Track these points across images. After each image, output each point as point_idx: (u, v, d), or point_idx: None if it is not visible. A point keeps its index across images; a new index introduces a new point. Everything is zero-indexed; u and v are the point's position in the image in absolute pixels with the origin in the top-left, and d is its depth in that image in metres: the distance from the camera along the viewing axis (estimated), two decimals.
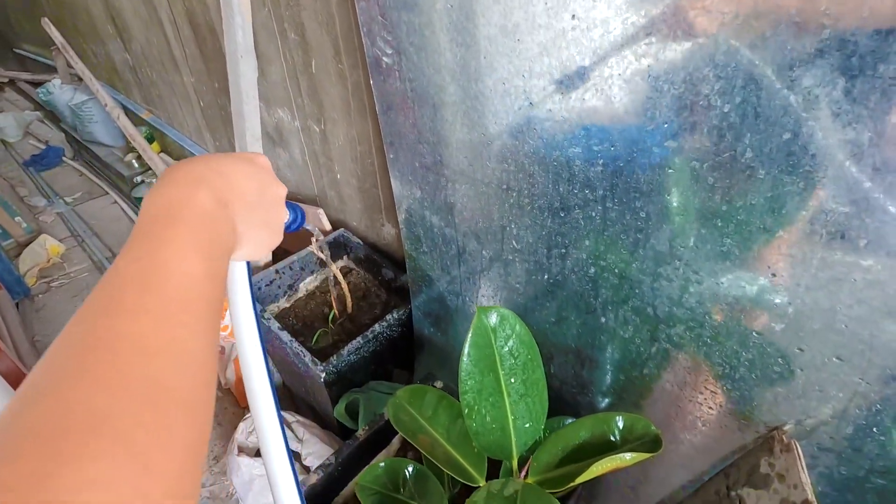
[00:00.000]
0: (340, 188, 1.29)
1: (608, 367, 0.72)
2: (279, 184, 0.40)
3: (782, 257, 0.47)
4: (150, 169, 2.35)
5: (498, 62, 0.59)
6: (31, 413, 0.19)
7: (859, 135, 0.38)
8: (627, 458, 0.54)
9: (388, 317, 1.07)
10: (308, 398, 1.28)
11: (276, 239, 0.40)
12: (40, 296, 1.99)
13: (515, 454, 0.56)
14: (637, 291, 0.62)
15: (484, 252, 0.81)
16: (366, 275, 1.29)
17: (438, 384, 0.81)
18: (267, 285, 1.19)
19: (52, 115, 3.01)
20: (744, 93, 0.42)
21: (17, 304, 1.88)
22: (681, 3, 0.42)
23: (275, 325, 1.05)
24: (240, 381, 1.46)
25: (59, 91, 2.64)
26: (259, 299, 1.16)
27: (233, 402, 1.49)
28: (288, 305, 1.24)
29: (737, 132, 0.44)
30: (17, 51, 3.55)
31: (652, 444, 0.56)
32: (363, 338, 1.03)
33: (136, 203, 2.30)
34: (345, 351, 1.01)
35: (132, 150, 2.47)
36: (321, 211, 1.36)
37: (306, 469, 1.13)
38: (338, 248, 1.31)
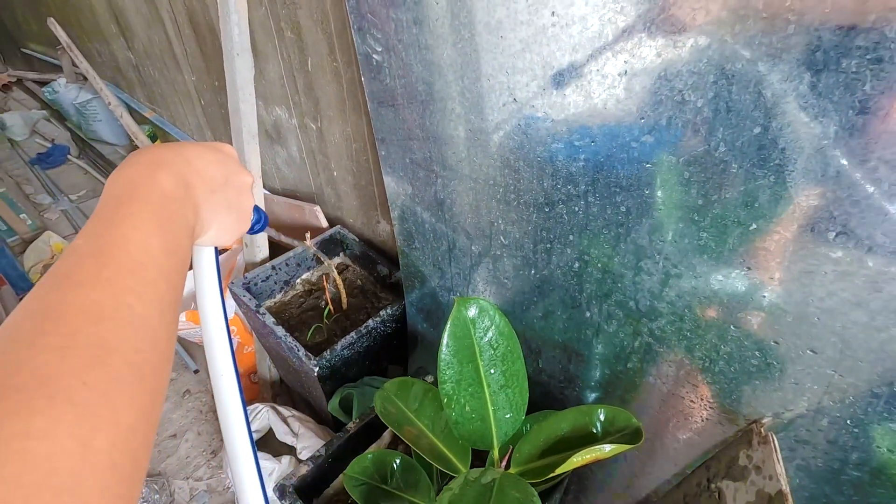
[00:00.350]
0: (337, 185, 1.30)
1: (594, 361, 0.73)
2: (245, 171, 0.41)
3: (757, 250, 0.47)
4: None
5: (482, 59, 0.60)
6: None
7: (825, 128, 0.38)
8: (607, 449, 0.55)
9: (382, 312, 1.08)
10: (303, 393, 1.29)
11: (244, 225, 0.41)
12: None
13: (496, 444, 0.57)
14: (619, 286, 0.62)
15: (474, 248, 0.82)
16: (361, 271, 1.30)
17: (429, 378, 0.82)
18: (263, 281, 1.21)
19: (57, 113, 3.05)
20: (716, 88, 0.43)
21: (20, 299, 1.90)
22: (655, 0, 0.43)
23: (269, 319, 1.07)
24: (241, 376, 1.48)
25: (64, 90, 2.68)
26: (255, 295, 1.17)
27: None
28: (284, 301, 1.25)
29: (710, 127, 0.45)
30: (24, 50, 3.59)
31: (632, 435, 0.57)
32: (357, 333, 1.04)
33: None
34: (338, 346, 1.02)
35: (135, 148, 2.49)
36: (318, 208, 1.38)
37: (300, 462, 1.14)
38: (334, 244, 1.32)
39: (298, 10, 1.02)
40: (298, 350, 1.00)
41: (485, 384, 0.55)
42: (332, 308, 1.19)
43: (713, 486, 0.59)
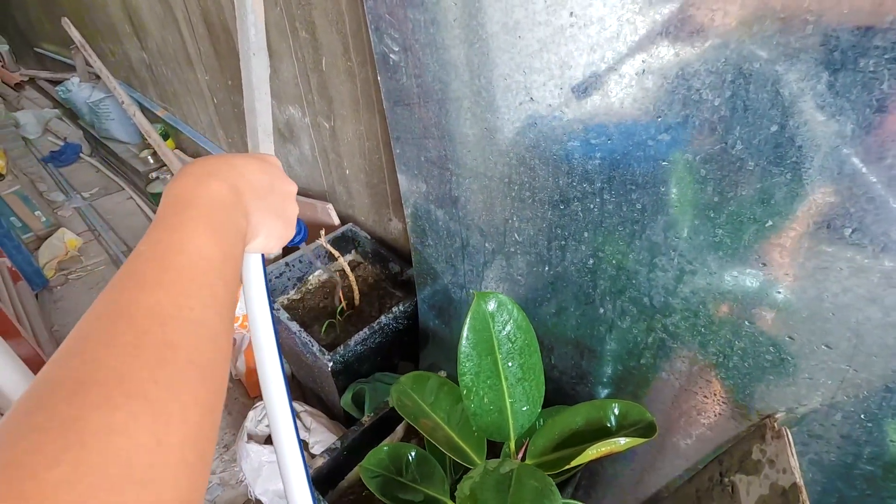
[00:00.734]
0: (349, 184, 1.31)
1: (607, 357, 0.74)
2: (289, 181, 0.42)
3: (772, 247, 0.48)
4: (164, 165, 2.41)
5: (500, 58, 0.61)
6: (60, 370, 0.22)
7: (842, 126, 0.39)
8: (622, 442, 0.56)
9: (395, 309, 1.10)
10: (316, 388, 1.31)
11: (289, 232, 0.42)
12: (59, 287, 2.05)
13: (513, 436, 0.58)
14: (634, 282, 0.63)
15: (487, 245, 0.83)
16: (373, 268, 1.31)
17: (442, 373, 0.83)
18: (277, 277, 1.22)
19: (70, 112, 3.09)
20: (733, 87, 0.44)
21: (36, 295, 1.94)
22: (673, 1, 0.44)
23: (284, 315, 1.08)
24: (250, 371, 1.50)
25: (77, 89, 2.71)
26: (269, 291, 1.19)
27: (242, 393, 1.52)
28: (297, 297, 1.27)
29: (727, 125, 0.46)
30: (38, 50, 3.64)
31: (646, 429, 0.57)
32: (370, 329, 1.06)
33: (150, 198, 2.36)
34: (352, 341, 1.03)
35: (148, 146, 2.52)
36: (330, 206, 1.39)
37: (313, 457, 1.15)
38: (346, 242, 1.33)
39: (313, 10, 1.04)
40: (312, 345, 1.02)
41: (503, 377, 0.56)
42: (344, 305, 1.21)
43: (726, 480, 0.60)
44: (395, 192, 1.15)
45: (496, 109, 0.66)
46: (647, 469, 0.79)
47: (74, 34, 2.45)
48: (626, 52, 0.49)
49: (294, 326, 1.06)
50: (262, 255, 0.42)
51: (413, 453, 0.73)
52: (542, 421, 0.67)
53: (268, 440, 1.22)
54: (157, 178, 2.35)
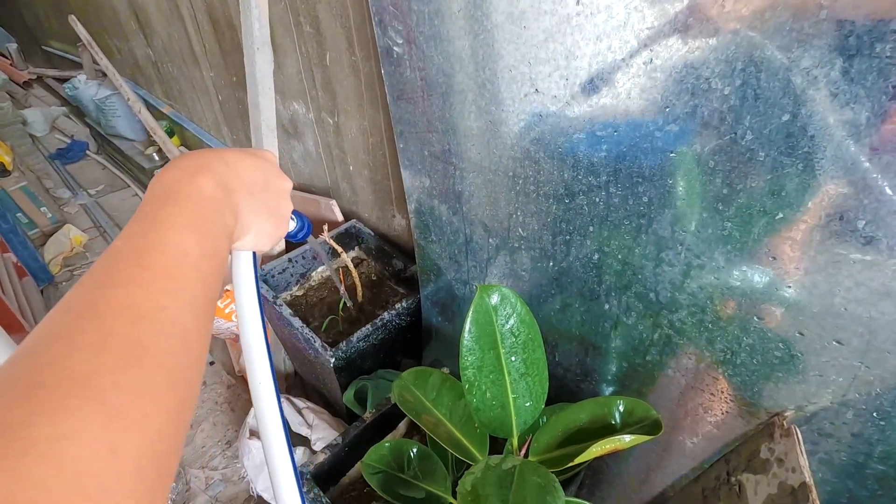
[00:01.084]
0: (353, 180, 1.31)
1: (612, 354, 0.73)
2: (284, 177, 0.41)
3: (782, 240, 0.47)
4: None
5: (504, 49, 0.60)
6: (16, 370, 0.20)
7: (857, 115, 0.38)
8: (626, 440, 0.55)
9: (398, 305, 1.09)
10: (318, 385, 1.30)
11: (282, 230, 0.41)
12: (64, 283, 2.06)
13: (515, 432, 0.57)
14: (640, 277, 0.62)
15: (491, 240, 0.82)
16: (376, 265, 1.31)
17: (445, 370, 0.82)
18: (280, 273, 1.22)
19: (77, 109, 3.10)
20: (743, 75, 0.43)
21: (41, 291, 1.95)
22: None
23: (287, 311, 1.08)
24: None
25: (84, 86, 2.73)
26: (272, 286, 1.19)
27: (246, 389, 1.52)
28: (300, 293, 1.26)
29: (737, 114, 0.45)
30: (45, 48, 3.66)
31: (651, 427, 0.56)
32: (372, 325, 1.05)
33: None
34: (354, 337, 1.03)
35: (153, 143, 2.53)
36: (333, 202, 1.39)
37: (314, 453, 1.15)
38: (349, 238, 1.33)
39: (318, 4, 1.03)
40: (315, 341, 1.01)
41: (506, 371, 0.55)
42: (347, 301, 1.20)
43: (733, 479, 0.59)
44: (398, 188, 1.14)
45: (501, 102, 0.65)
46: (653, 468, 0.77)
47: (81, 31, 2.46)
48: (634, 42, 0.48)
49: (297, 322, 1.05)
50: (254, 253, 0.41)
51: (415, 450, 0.72)
52: (545, 418, 0.66)
53: None
54: None
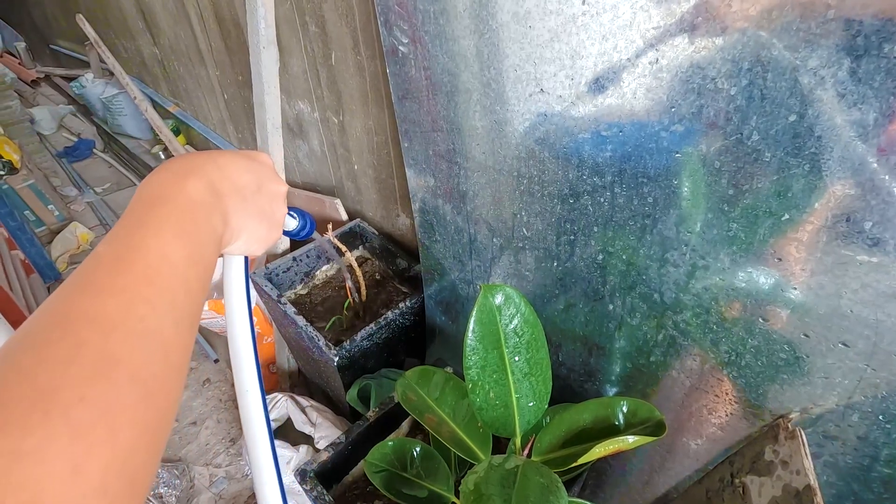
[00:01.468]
0: (357, 179, 1.31)
1: (615, 355, 0.72)
2: (279, 180, 0.40)
3: (788, 242, 0.47)
4: None
5: (510, 49, 0.60)
6: None
7: (864, 115, 0.38)
8: (630, 440, 0.55)
9: (402, 305, 1.09)
10: (322, 383, 1.31)
11: (275, 234, 0.40)
12: None
13: (518, 432, 0.57)
14: (644, 278, 0.62)
15: (495, 240, 0.82)
16: (380, 264, 1.31)
17: (448, 369, 0.82)
18: (284, 272, 1.22)
19: (84, 108, 3.12)
20: (750, 75, 0.43)
21: (48, 288, 1.96)
22: None
23: (291, 309, 1.08)
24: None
25: (91, 85, 2.74)
26: (276, 285, 1.19)
27: None
28: (304, 292, 1.27)
29: (743, 115, 0.44)
30: (53, 47, 3.69)
31: (655, 428, 0.56)
32: (376, 324, 1.05)
33: None
34: (358, 336, 1.03)
35: (159, 142, 2.55)
36: (338, 201, 1.39)
37: (317, 451, 1.15)
38: (353, 238, 1.33)
39: (323, 3, 1.04)
40: (319, 340, 1.02)
41: (509, 371, 0.55)
42: (351, 300, 1.20)
43: (737, 481, 0.59)
44: (403, 187, 1.14)
45: (506, 101, 0.65)
46: (656, 469, 0.77)
47: (89, 31, 2.47)
48: (640, 41, 0.48)
49: (301, 321, 1.06)
50: (246, 258, 0.40)
51: (418, 449, 0.72)
52: (548, 418, 0.66)
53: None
54: None
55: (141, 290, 0.25)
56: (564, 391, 0.84)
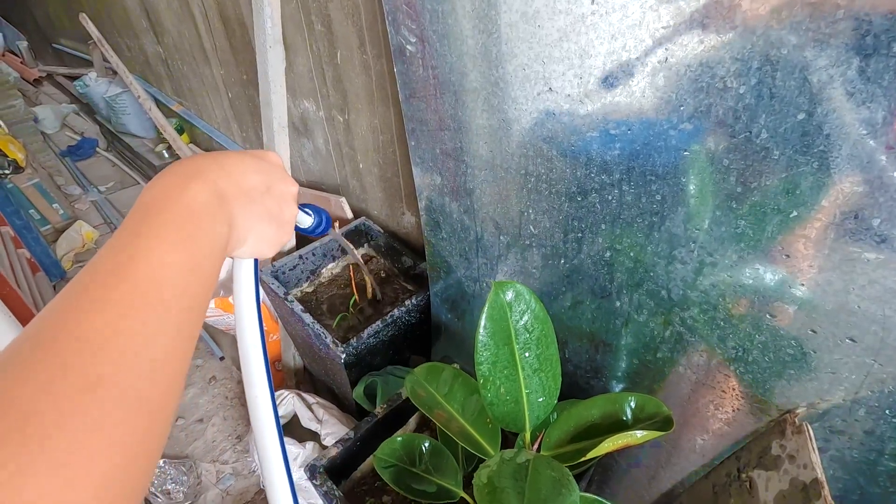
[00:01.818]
0: (362, 177, 1.32)
1: (622, 351, 0.73)
2: (289, 180, 0.39)
3: (796, 238, 0.47)
4: (179, 159, 2.43)
5: (518, 48, 0.60)
6: None
7: (873, 113, 0.38)
8: (638, 435, 0.55)
9: (407, 302, 1.10)
10: (328, 381, 1.32)
11: (284, 236, 0.39)
12: None
13: (528, 427, 0.58)
14: (652, 275, 0.63)
15: (502, 238, 0.83)
16: (385, 262, 1.32)
17: (456, 366, 0.83)
18: (291, 270, 1.23)
19: (87, 107, 3.13)
20: (759, 74, 0.43)
21: (54, 286, 1.97)
22: None
23: (298, 307, 1.09)
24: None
25: (94, 84, 2.75)
26: (282, 283, 1.20)
27: None
28: (311, 290, 1.27)
29: (752, 113, 0.45)
30: (56, 46, 3.70)
31: (663, 423, 0.57)
32: (382, 322, 1.06)
33: None
34: (364, 334, 1.04)
35: (163, 141, 2.55)
36: (343, 200, 1.40)
37: (324, 448, 1.16)
38: (359, 236, 1.34)
39: (329, 2, 1.04)
40: (326, 337, 1.02)
41: (519, 367, 0.56)
42: (357, 298, 1.21)
43: (744, 475, 0.59)
44: (408, 185, 1.15)
45: (514, 100, 0.66)
46: (662, 465, 0.78)
47: (92, 29, 2.48)
48: (649, 40, 0.49)
49: (308, 318, 1.06)
50: (256, 261, 0.40)
51: (427, 444, 0.73)
52: (556, 414, 0.67)
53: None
54: None
55: (135, 303, 0.24)
56: (571, 388, 0.85)
